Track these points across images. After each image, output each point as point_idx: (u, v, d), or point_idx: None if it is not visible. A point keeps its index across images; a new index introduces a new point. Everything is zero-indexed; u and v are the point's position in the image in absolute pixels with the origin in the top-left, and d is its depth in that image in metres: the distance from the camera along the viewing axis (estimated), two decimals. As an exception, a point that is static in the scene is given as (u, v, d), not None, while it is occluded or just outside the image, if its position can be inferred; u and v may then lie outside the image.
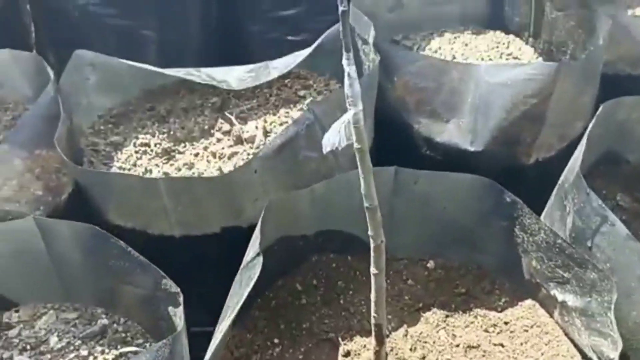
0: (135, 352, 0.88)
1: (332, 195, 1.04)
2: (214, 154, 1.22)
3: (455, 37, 1.55)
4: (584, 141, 1.02)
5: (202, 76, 1.31)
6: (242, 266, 0.93)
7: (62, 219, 0.97)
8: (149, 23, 1.66)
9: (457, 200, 1.05)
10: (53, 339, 0.94)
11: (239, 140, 1.25)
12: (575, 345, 0.95)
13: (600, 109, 1.06)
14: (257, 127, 1.26)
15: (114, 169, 1.17)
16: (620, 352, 0.81)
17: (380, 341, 0.89)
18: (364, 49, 1.27)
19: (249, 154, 1.20)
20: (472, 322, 1.02)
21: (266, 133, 1.25)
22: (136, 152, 1.24)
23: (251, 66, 1.35)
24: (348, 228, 1.10)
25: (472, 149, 1.24)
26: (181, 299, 0.81)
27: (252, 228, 1.02)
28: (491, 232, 1.04)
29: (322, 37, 1.32)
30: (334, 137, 0.80)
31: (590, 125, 1.04)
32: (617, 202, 1.15)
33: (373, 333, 0.89)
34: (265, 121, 1.29)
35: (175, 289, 0.81)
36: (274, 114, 1.31)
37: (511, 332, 1.00)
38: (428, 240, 1.11)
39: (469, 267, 1.10)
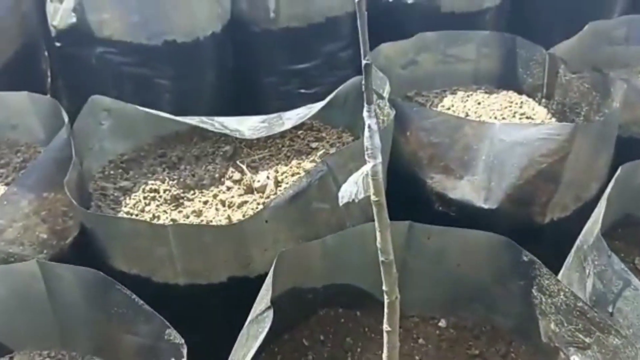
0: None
1: (344, 248, 1.01)
2: (223, 203, 1.20)
3: (468, 96, 1.56)
4: (602, 203, 1.00)
5: (215, 124, 1.31)
6: (249, 319, 0.89)
7: (65, 262, 0.94)
8: (164, 72, 1.68)
9: (471, 258, 1.02)
10: (47, 390, 0.90)
11: (250, 190, 1.23)
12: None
13: (619, 170, 1.05)
14: (268, 177, 1.25)
15: (122, 214, 1.16)
16: None
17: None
18: (378, 103, 1.28)
19: (259, 204, 1.18)
20: (486, 387, 0.98)
21: (277, 183, 1.24)
22: (145, 197, 1.22)
23: (264, 117, 1.35)
24: (358, 282, 1.06)
25: (485, 206, 1.22)
26: (185, 351, 0.77)
27: (259, 278, 0.99)
28: (507, 292, 1.01)
29: (337, 90, 1.33)
30: (351, 189, 0.79)
31: (609, 187, 1.02)
32: (635, 266, 1.12)
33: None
34: (277, 171, 1.27)
35: (179, 339, 0.78)
36: (286, 165, 1.30)
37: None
38: (440, 298, 1.08)
39: (483, 327, 1.06)
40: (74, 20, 1.55)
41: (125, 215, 1.15)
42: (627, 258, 1.13)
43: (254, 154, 1.35)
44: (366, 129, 0.75)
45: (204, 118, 1.33)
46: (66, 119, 1.19)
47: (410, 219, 1.04)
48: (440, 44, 1.58)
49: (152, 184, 1.25)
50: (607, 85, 1.30)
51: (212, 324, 1.09)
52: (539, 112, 1.47)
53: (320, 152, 1.32)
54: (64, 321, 0.94)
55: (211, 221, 1.13)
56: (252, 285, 0.97)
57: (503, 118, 1.45)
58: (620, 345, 0.82)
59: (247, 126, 1.33)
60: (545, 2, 1.94)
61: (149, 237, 1.01)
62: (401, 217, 1.05)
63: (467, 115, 1.47)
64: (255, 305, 0.91)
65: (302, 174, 1.21)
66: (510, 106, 1.49)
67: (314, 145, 1.35)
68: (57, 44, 1.71)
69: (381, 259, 0.80)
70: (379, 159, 0.76)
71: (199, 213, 1.16)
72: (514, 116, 1.46)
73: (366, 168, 0.76)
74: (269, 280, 0.90)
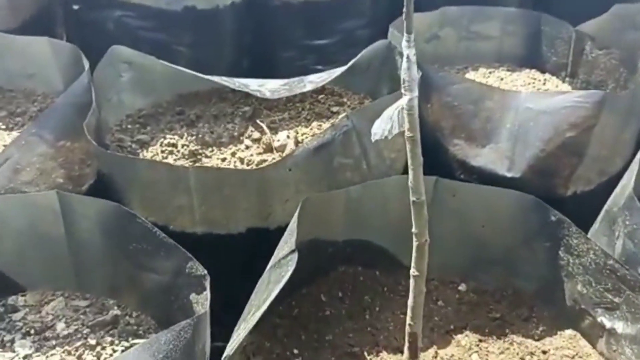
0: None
1: (367, 200, 0.99)
2: (241, 160, 1.18)
3: (490, 72, 1.54)
4: (634, 166, 0.98)
5: (236, 83, 1.29)
6: (271, 264, 0.87)
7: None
8: (182, 39, 1.67)
9: (497, 218, 1.00)
10: (60, 325, 0.87)
11: (269, 149, 1.21)
12: (622, 379, 0.88)
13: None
14: (288, 137, 1.23)
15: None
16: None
17: (414, 354, 0.82)
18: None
19: (278, 162, 1.16)
20: (507, 349, 0.95)
21: (297, 143, 1.22)
22: (162, 151, 1.20)
23: (286, 80, 1.33)
24: (379, 240, 1.04)
25: (508, 175, 1.20)
26: (207, 283, 0.75)
27: (279, 231, 0.97)
28: (532, 254, 0.99)
29: (360, 55, 1.31)
30: (385, 125, 0.77)
31: (640, 153, 1.00)
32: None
33: (406, 344, 0.82)
34: (297, 132, 1.25)
35: (202, 271, 0.75)
36: (306, 127, 1.28)
37: (550, 362, 0.93)
38: (461, 262, 1.06)
39: (504, 291, 1.04)
40: (93, -19, 1.54)
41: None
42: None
43: (273, 116, 1.33)
44: (404, 60, 0.73)
45: (224, 77, 1.31)
46: (87, 65, 1.17)
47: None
48: (464, 19, 1.57)
49: (170, 139, 1.23)
50: (636, 60, 1.28)
51: (228, 275, 1.06)
52: (563, 89, 1.45)
53: (341, 117, 1.30)
54: (79, 259, 0.92)
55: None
56: (271, 238, 0.94)
57: (527, 93, 1.43)
58: (652, 303, 0.80)
59: (268, 87, 1.31)
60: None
61: (168, 180, 0.99)
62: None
63: (489, 89, 1.45)
64: (277, 250, 0.88)
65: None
66: (534, 83, 1.47)
67: (334, 109, 1.33)
68: (75, 7, 1.70)
69: (412, 198, 0.77)
70: (416, 93, 0.74)
71: (217, 169, 1.14)
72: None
73: (402, 102, 0.74)
74: (293, 224, 0.88)
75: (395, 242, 1.05)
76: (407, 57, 0.73)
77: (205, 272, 0.75)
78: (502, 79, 1.49)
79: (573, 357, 0.93)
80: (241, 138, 1.26)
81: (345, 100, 1.36)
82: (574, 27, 1.45)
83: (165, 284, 0.83)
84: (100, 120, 1.20)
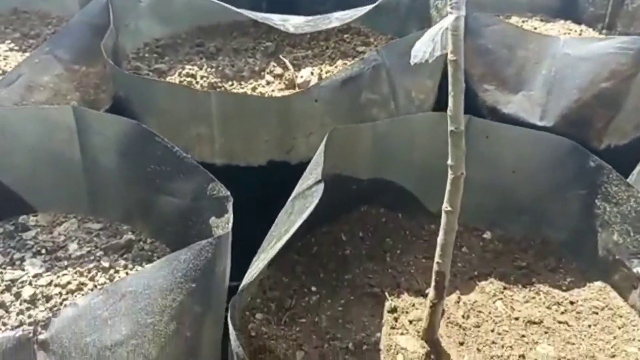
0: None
1: (395, 136, 0.94)
2: (262, 95, 1.13)
3: (523, 21, 1.47)
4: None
5: (259, 16, 1.23)
6: (294, 194, 0.83)
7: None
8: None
9: (530, 163, 0.95)
10: (72, 246, 0.84)
11: (291, 85, 1.16)
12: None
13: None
14: (312, 74, 1.18)
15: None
16: None
17: (440, 294, 0.78)
18: (436, 4, 1.19)
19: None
20: (533, 298, 0.92)
21: (321, 80, 1.17)
22: (180, 81, 1.15)
23: (310, 17, 1.27)
24: (404, 181, 1.00)
25: (540, 124, 1.15)
26: (230, 204, 0.71)
27: (300, 166, 0.93)
28: (564, 202, 0.94)
29: (387, -6, 1.24)
30: (427, 47, 0.71)
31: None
32: None
33: (433, 283, 0.78)
34: (321, 70, 1.20)
35: (224, 192, 0.71)
36: (331, 65, 1.22)
37: (578, 312, 0.89)
38: (488, 208, 1.01)
39: (532, 241, 1.00)
40: None
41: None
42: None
43: (296, 52, 1.27)
44: (452, -26, 0.67)
45: (247, 10, 1.25)
46: (105, -15, 1.12)
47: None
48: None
49: (189, 69, 1.18)
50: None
51: (245, 212, 1.02)
52: (600, 41, 1.38)
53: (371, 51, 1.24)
54: (94, 181, 0.88)
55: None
56: (292, 172, 0.90)
57: (561, 44, 1.37)
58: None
59: (292, 23, 1.25)
60: None
61: (188, 106, 0.94)
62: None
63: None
64: (301, 180, 0.84)
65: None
66: (569, 33, 1.40)
67: (360, 49, 1.28)
68: None
69: (451, 128, 0.72)
70: (464, 12, 0.68)
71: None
72: (572, 43, 1.37)
73: (446, 22, 0.69)
74: (319, 155, 0.83)
75: (420, 185, 1.01)
76: (456, -29, 0.67)
77: (229, 193, 0.71)
78: (535, 29, 1.43)
79: (602, 308, 0.89)
80: (262, 73, 1.20)
81: (371, 40, 1.30)
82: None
83: (184, 208, 0.79)
84: (117, 45, 1.15)
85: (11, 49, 1.19)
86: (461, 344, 0.83)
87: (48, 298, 0.76)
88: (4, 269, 0.79)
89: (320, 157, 0.82)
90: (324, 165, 0.86)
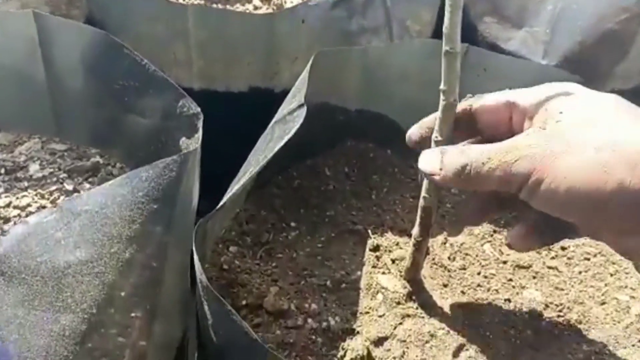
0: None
1: (387, 64, 0.88)
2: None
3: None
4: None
5: None
6: (275, 119, 0.77)
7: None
8: None
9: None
10: (34, 167, 0.78)
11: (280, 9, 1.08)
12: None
13: None
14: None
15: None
16: None
17: (425, 230, 0.73)
18: None
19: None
20: (523, 242, 0.87)
21: None
22: (160, 1, 1.07)
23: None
24: (395, 115, 0.94)
25: (543, 62, 1.08)
26: (200, 122, 0.65)
27: (284, 95, 0.86)
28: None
29: None
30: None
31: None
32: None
33: (418, 219, 0.73)
34: (312, -4, 1.12)
35: (194, 109, 0.65)
36: (323, -8, 1.14)
37: (569, 258, 0.85)
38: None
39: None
40: None
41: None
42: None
43: (287, -23, 1.19)
44: None
45: None
46: None
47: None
48: None
49: (170, -11, 1.09)
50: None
51: (223, 142, 0.96)
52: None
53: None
54: (59, 99, 0.81)
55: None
56: (275, 101, 0.84)
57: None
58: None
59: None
60: None
61: (164, 22, 0.86)
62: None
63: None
64: (283, 105, 0.78)
65: None
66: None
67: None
68: None
69: (445, 48, 0.66)
70: None
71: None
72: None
73: None
74: (303, 78, 0.77)
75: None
76: None
77: (199, 109, 0.65)
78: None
79: (595, 255, 0.85)
80: (249, -4, 1.12)
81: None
82: None
83: (153, 128, 0.73)
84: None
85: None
86: (445, 285, 0.79)
87: (6, 220, 0.71)
88: (-42, 188, 0.74)
89: (305, 80, 0.76)
90: (309, 91, 0.79)
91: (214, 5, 1.08)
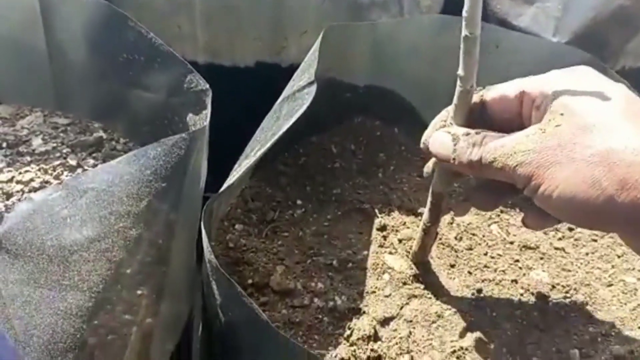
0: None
1: (397, 40, 0.86)
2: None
3: None
4: None
5: None
6: (283, 96, 0.75)
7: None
8: None
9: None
10: (36, 141, 0.77)
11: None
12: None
13: None
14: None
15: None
16: None
17: (436, 216, 0.72)
18: None
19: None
20: (530, 223, 0.86)
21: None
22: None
23: None
24: (404, 92, 0.92)
25: (554, 39, 1.06)
26: (209, 98, 0.63)
27: (291, 70, 0.84)
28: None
29: None
30: None
31: None
32: None
33: (428, 205, 0.72)
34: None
35: (203, 85, 0.64)
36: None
37: (576, 239, 0.85)
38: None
39: (534, 163, 0.93)
40: None
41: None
42: None
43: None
44: None
45: None
46: None
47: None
48: None
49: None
50: None
51: (228, 118, 0.95)
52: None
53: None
54: (61, 72, 0.79)
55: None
56: (282, 76, 0.82)
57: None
58: None
59: None
60: None
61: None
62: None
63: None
64: (291, 82, 0.76)
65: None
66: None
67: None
68: None
69: (464, 33, 0.64)
70: None
71: None
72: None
73: None
74: (313, 54, 0.75)
75: (422, 98, 0.93)
76: None
77: (207, 86, 0.64)
78: (555, -62, 1.31)
79: (602, 236, 0.84)
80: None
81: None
82: None
83: (159, 104, 0.72)
84: None
85: None
86: (452, 266, 0.78)
87: (8, 195, 0.70)
88: (-40, 162, 0.72)
89: (315, 56, 0.74)
90: (318, 66, 0.78)
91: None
